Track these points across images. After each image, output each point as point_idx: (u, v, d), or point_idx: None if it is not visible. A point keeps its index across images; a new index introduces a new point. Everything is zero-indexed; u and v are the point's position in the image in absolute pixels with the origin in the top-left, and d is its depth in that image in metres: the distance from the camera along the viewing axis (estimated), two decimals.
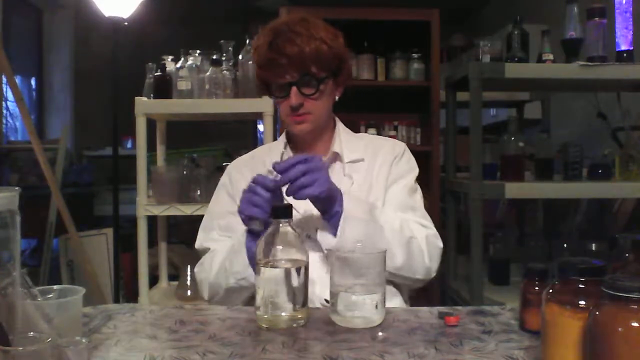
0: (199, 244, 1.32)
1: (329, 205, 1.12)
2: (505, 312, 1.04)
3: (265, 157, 1.33)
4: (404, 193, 1.28)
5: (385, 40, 2.99)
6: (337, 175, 1.26)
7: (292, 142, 1.34)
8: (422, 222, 1.26)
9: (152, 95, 2.27)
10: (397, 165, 1.30)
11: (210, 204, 1.36)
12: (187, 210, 2.18)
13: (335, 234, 1.12)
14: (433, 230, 1.25)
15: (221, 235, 1.29)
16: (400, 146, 1.34)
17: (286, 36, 1.18)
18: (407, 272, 1.19)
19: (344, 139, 1.31)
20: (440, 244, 1.25)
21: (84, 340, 0.74)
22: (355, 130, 1.41)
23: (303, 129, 1.25)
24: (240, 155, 1.43)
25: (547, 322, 0.72)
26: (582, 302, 0.69)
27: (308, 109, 1.23)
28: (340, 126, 1.35)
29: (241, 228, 1.25)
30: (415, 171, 1.33)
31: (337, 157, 1.29)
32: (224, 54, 2.27)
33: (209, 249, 1.29)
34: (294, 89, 1.21)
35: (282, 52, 1.17)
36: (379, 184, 1.27)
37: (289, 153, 1.31)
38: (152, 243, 2.81)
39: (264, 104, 2.17)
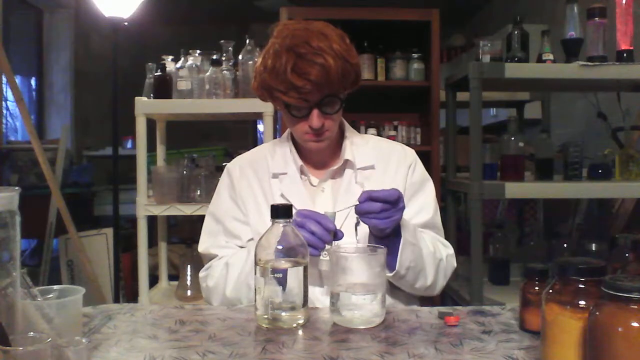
0: (203, 249, 1.29)
1: (387, 236, 1.13)
2: (505, 312, 1.04)
3: (269, 160, 1.29)
4: (430, 210, 1.29)
5: (385, 40, 2.99)
6: (348, 182, 1.25)
7: (300, 149, 1.29)
8: (443, 241, 1.29)
9: (152, 95, 2.27)
10: (414, 175, 1.29)
11: (211, 205, 1.33)
12: (187, 210, 2.18)
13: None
14: (452, 250, 1.28)
15: (228, 241, 1.27)
16: (411, 153, 1.33)
17: (310, 59, 1.10)
18: (428, 290, 1.22)
19: (354, 145, 1.28)
20: (455, 264, 1.28)
21: (84, 340, 0.74)
22: (355, 130, 1.40)
23: (321, 146, 1.23)
24: (238, 155, 1.39)
25: (547, 322, 0.72)
26: (582, 302, 0.69)
27: (327, 127, 1.19)
28: (348, 131, 1.31)
29: (247, 236, 1.25)
30: (431, 180, 1.34)
31: (347, 164, 1.26)
32: (224, 54, 2.28)
33: (216, 255, 1.27)
34: (316, 111, 1.16)
35: (308, 78, 1.10)
36: None
37: (296, 160, 1.27)
38: (152, 243, 2.82)
39: (264, 104, 2.15)
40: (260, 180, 1.28)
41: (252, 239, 1.24)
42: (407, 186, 1.28)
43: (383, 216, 1.05)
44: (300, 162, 1.27)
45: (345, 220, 1.19)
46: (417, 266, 1.15)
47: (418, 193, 1.29)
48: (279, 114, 2.71)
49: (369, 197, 1.05)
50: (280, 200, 1.22)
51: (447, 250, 1.26)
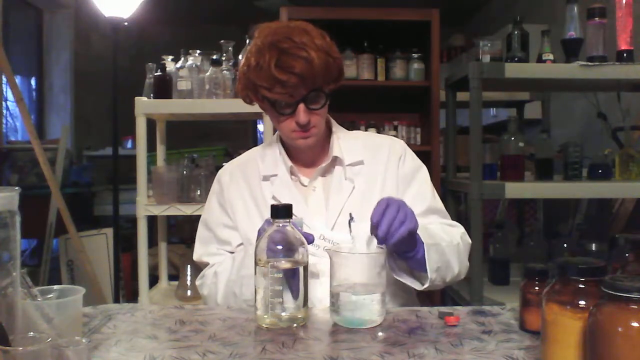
0: (197, 257, 1.30)
1: (414, 241, 1.08)
2: (505, 312, 1.04)
3: (259, 163, 1.28)
4: (428, 195, 1.27)
5: (385, 40, 2.99)
6: (338, 179, 1.24)
7: (289, 149, 1.29)
8: (449, 222, 1.26)
9: (152, 95, 2.27)
10: (404, 165, 1.28)
11: (203, 212, 1.33)
12: (187, 210, 2.18)
13: (419, 269, 1.11)
14: (462, 229, 1.26)
15: (219, 248, 1.28)
16: (399, 144, 1.31)
17: (293, 53, 1.10)
18: (458, 277, 1.20)
19: (342, 141, 1.28)
20: (470, 240, 1.26)
21: (84, 340, 0.74)
22: (355, 130, 1.39)
23: (309, 143, 1.22)
24: (238, 156, 1.40)
25: (547, 322, 0.72)
26: (582, 302, 0.69)
27: (313, 123, 1.19)
28: (335, 127, 1.31)
29: (237, 241, 1.25)
30: (424, 167, 1.32)
31: (336, 160, 1.26)
32: (224, 54, 2.28)
33: (208, 263, 1.27)
34: (302, 106, 1.15)
35: (292, 72, 1.09)
36: (387, 186, 1.24)
37: (285, 161, 1.26)
38: (152, 243, 2.81)
39: None
40: (250, 184, 1.27)
41: (242, 244, 1.24)
42: (399, 178, 1.26)
43: (402, 216, 1.01)
44: (289, 163, 1.26)
45: (339, 218, 1.19)
46: (443, 263, 1.12)
47: (412, 182, 1.27)
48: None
49: (375, 223, 1.00)
50: (271, 203, 1.21)
51: (458, 230, 1.24)
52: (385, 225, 0.99)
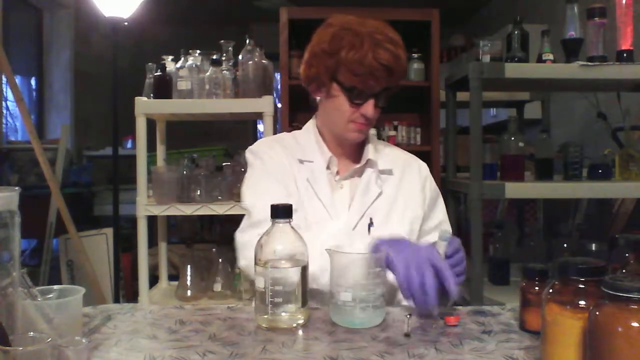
0: (247, 239, 1.15)
1: None
2: (505, 312, 1.04)
3: (296, 150, 1.27)
4: (447, 223, 1.32)
5: None
6: (366, 182, 1.26)
7: (326, 140, 1.30)
8: None
9: (152, 95, 2.27)
10: (430, 189, 1.32)
11: (249, 196, 1.23)
12: (187, 210, 2.18)
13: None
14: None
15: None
16: (425, 166, 1.36)
17: (387, 47, 1.15)
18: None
19: (377, 147, 1.31)
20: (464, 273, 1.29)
21: (84, 340, 0.74)
22: None
23: (361, 137, 1.26)
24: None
25: (547, 322, 0.72)
26: (582, 302, 0.69)
27: (373, 117, 1.23)
28: (370, 134, 1.34)
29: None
30: (440, 195, 1.37)
31: (367, 163, 1.28)
32: (224, 54, 2.28)
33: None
34: (373, 100, 1.19)
35: (383, 64, 1.15)
36: (411, 201, 1.27)
37: (324, 150, 1.27)
38: (152, 243, 2.81)
39: (264, 104, 2.17)
40: (290, 160, 1.27)
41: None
42: (426, 199, 1.30)
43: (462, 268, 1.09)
44: (329, 154, 1.27)
45: (361, 221, 1.21)
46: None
47: (434, 209, 1.32)
48: (279, 113, 2.71)
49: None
50: (305, 185, 1.22)
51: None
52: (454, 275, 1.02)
